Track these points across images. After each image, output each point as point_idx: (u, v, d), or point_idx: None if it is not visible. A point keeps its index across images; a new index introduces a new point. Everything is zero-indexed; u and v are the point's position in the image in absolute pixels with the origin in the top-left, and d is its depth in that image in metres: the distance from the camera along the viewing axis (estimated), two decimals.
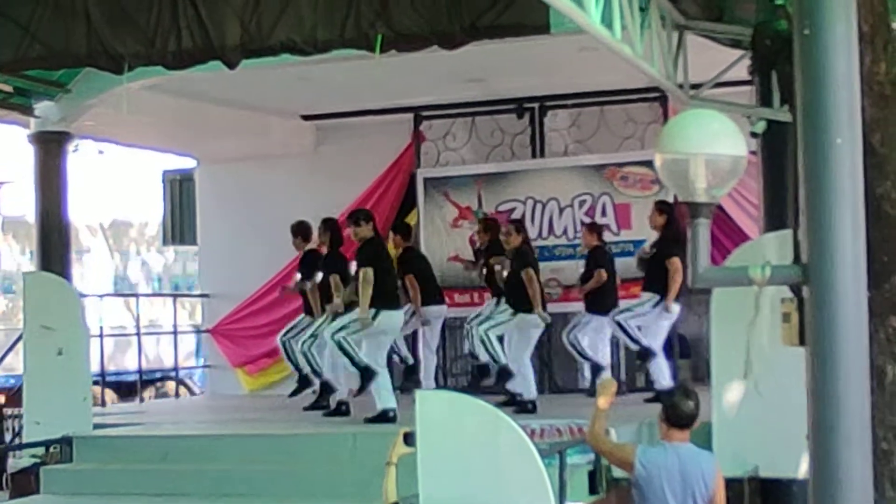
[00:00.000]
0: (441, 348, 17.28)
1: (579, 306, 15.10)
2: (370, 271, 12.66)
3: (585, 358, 14.85)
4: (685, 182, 5.34)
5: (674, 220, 14.22)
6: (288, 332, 14.56)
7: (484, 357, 13.57)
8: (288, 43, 11.96)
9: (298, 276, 14.92)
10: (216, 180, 19.18)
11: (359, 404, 13.19)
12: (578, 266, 15.40)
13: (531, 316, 13.54)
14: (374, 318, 12.65)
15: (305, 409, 14.14)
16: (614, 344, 15.74)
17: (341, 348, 12.74)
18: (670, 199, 14.80)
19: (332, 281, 13.65)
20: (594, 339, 14.87)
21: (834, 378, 5.05)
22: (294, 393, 14.53)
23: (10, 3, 12.32)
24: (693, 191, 5.33)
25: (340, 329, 12.78)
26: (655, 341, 14.19)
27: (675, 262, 13.80)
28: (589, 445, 8.34)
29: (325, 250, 14.26)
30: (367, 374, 12.72)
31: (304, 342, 13.94)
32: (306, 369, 14.07)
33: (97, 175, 28.95)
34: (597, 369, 14.83)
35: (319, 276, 14.17)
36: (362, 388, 12.88)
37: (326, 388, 13.81)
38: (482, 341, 13.42)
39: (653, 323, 14.14)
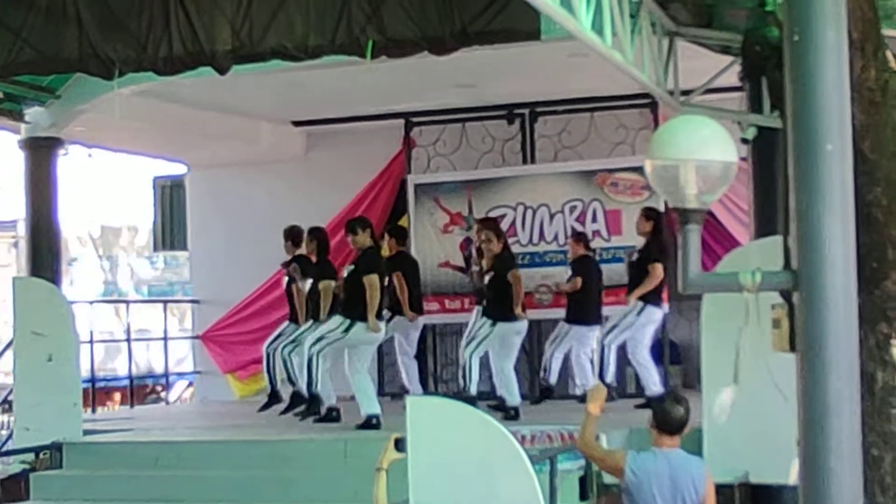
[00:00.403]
0: (432, 354, 17.32)
1: None
2: (375, 277, 12.78)
3: (546, 375, 14.91)
4: (676, 188, 5.34)
5: (660, 226, 14.24)
6: (273, 341, 14.59)
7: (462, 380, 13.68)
8: (279, 49, 11.96)
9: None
10: (207, 186, 19.18)
11: (350, 411, 13.18)
12: (569, 272, 15.38)
13: (511, 324, 13.57)
14: (348, 329, 12.72)
15: (281, 414, 14.14)
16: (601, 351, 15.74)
17: (309, 366, 12.82)
18: (661, 206, 14.81)
19: (322, 288, 13.68)
20: (578, 350, 14.90)
21: (824, 384, 5.05)
22: (263, 408, 14.65)
23: (1, 8, 12.31)
24: (683, 197, 5.33)
25: (319, 340, 12.82)
26: (642, 350, 14.17)
27: (658, 267, 13.89)
28: (579, 451, 8.34)
29: (313, 259, 14.28)
30: (313, 403, 12.99)
31: (284, 347, 14.02)
32: (282, 375, 14.15)
33: (88, 181, 28.94)
34: (547, 392, 14.92)
35: (308, 283, 14.17)
36: (304, 415, 13.12)
37: (298, 397, 13.82)
38: (463, 365, 13.54)
39: (638, 331, 14.13)
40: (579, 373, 14.97)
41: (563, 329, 14.91)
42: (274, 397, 14.63)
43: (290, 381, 14.04)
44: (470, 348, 13.55)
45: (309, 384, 13.05)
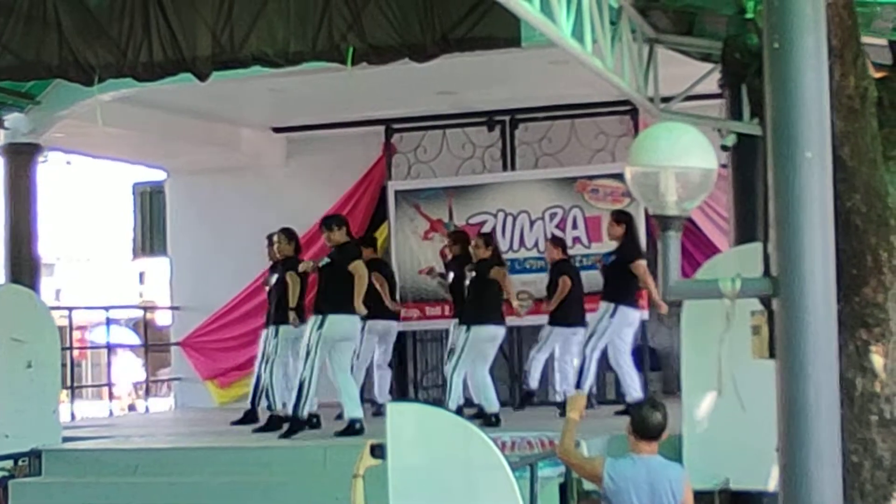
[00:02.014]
0: (412, 361, 17.31)
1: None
2: (360, 263, 12.69)
3: (526, 379, 14.86)
4: (656, 195, 5.34)
5: (632, 228, 14.21)
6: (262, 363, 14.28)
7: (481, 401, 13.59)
8: (259, 55, 11.97)
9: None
10: (187, 192, 19.15)
11: (329, 417, 13.16)
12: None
13: (485, 328, 13.48)
14: (321, 324, 12.59)
15: (255, 431, 13.94)
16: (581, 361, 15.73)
17: (300, 387, 12.61)
18: (641, 212, 14.83)
19: (289, 280, 13.61)
20: (561, 356, 14.87)
21: (804, 391, 5.06)
22: (238, 422, 14.35)
23: None
24: (663, 204, 5.34)
25: (307, 357, 12.58)
26: (624, 355, 14.12)
27: (641, 264, 13.77)
28: (559, 458, 8.34)
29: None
30: (295, 423, 12.66)
31: (265, 375, 13.82)
32: (262, 404, 13.93)
33: (67, 187, 28.90)
34: (528, 395, 14.89)
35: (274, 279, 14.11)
36: (287, 432, 12.71)
37: (275, 421, 13.61)
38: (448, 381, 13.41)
39: (616, 335, 14.03)
40: (561, 379, 14.94)
41: (545, 332, 14.85)
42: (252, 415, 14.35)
43: (269, 407, 13.75)
44: (450, 365, 13.44)
45: (296, 403, 12.62)
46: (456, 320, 14.26)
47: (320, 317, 12.65)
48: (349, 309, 12.69)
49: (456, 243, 14.83)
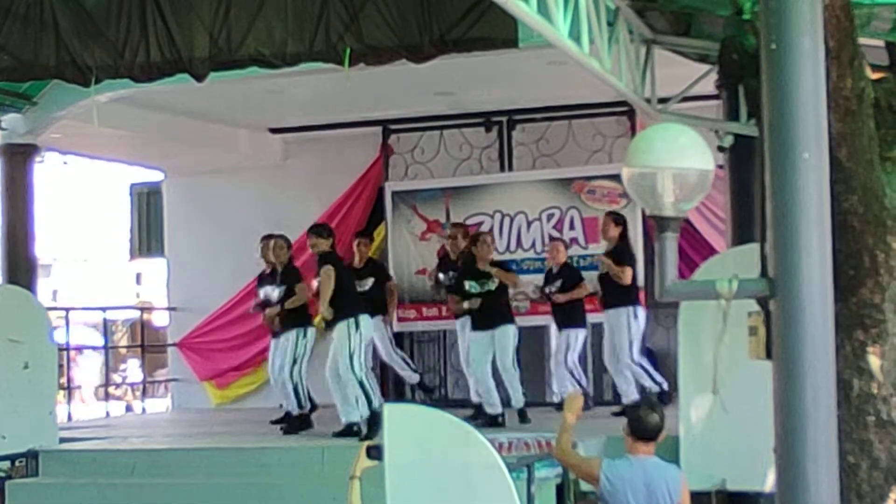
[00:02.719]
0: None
1: (547, 319, 15.07)
2: (331, 268, 12.64)
3: (582, 386, 14.79)
4: (653, 196, 5.34)
5: (627, 231, 14.21)
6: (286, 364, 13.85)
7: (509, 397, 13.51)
8: (257, 56, 11.97)
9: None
10: (184, 193, 19.15)
11: (327, 418, 13.15)
12: (543, 279, 15.29)
13: (507, 326, 13.44)
14: (357, 326, 12.48)
15: (272, 422, 13.98)
16: (581, 356, 15.73)
17: (362, 387, 12.50)
18: (637, 213, 14.83)
19: (297, 290, 13.56)
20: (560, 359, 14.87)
21: (800, 391, 5.06)
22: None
23: None
24: (660, 205, 5.33)
25: (352, 359, 12.51)
26: (636, 352, 14.10)
27: (628, 271, 13.80)
28: (556, 459, 8.34)
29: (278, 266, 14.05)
30: (374, 419, 12.24)
31: (291, 373, 13.56)
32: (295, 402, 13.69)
33: (64, 188, 28.86)
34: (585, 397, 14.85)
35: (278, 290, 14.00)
36: (369, 434, 12.23)
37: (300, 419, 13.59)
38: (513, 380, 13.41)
39: (637, 336, 14.06)
40: (558, 381, 14.92)
41: (560, 339, 14.81)
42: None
43: (300, 405, 13.50)
44: (508, 366, 13.38)
45: (369, 402, 12.43)
46: (463, 320, 14.06)
47: (352, 319, 12.54)
48: (365, 309, 12.86)
49: (466, 238, 14.53)
